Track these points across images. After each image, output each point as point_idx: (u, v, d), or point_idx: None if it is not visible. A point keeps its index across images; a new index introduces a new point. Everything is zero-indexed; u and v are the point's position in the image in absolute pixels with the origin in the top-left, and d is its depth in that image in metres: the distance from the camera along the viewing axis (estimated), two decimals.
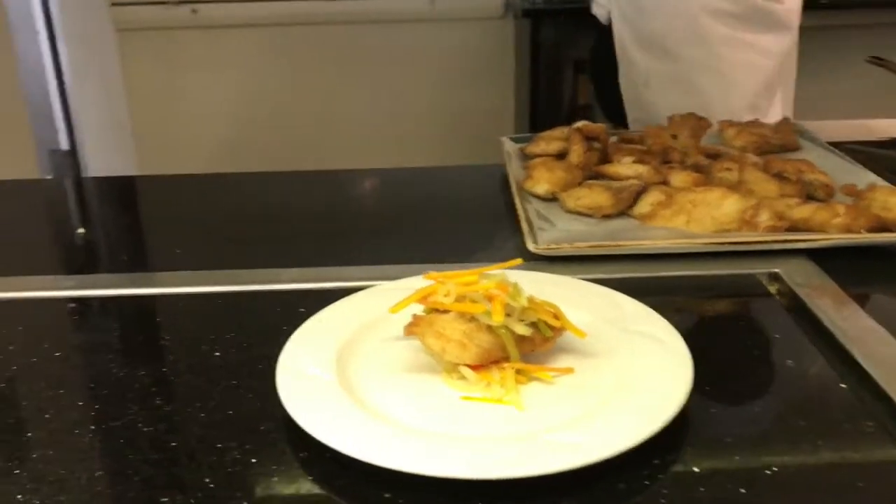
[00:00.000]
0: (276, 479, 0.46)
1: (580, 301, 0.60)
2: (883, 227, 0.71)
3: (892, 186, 0.75)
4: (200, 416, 0.51)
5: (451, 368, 0.52)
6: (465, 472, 0.43)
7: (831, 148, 0.93)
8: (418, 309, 0.55)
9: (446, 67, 2.82)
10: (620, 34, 1.28)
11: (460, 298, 0.53)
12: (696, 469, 0.46)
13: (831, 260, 0.70)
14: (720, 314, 0.67)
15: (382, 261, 0.73)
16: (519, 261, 0.58)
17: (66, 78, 2.04)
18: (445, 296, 0.53)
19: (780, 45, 1.18)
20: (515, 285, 0.53)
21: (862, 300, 0.65)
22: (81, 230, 0.87)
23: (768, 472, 0.45)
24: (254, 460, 0.47)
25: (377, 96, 2.74)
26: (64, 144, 1.94)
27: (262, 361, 0.56)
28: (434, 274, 0.55)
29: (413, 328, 0.52)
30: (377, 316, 0.58)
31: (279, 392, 0.50)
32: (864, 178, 0.82)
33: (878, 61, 1.17)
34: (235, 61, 2.62)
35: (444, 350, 0.51)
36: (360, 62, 2.74)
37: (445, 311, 0.53)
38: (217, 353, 0.59)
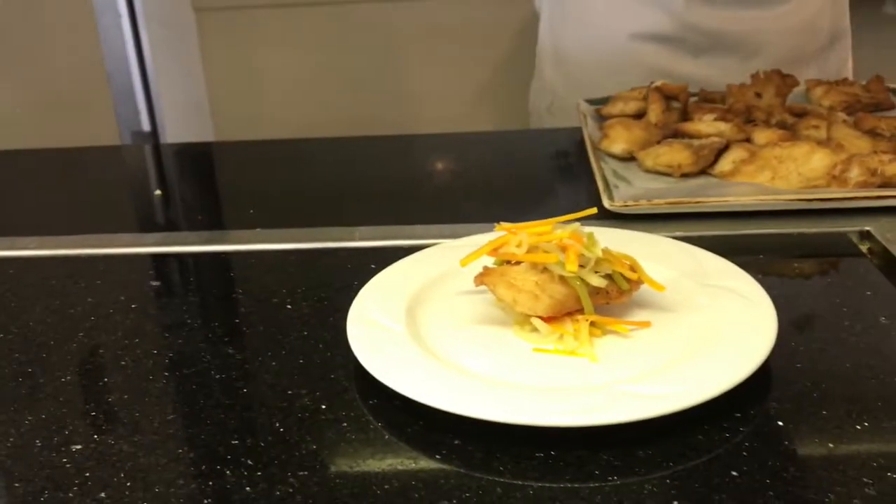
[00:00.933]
0: (345, 424, 0.45)
1: (658, 256, 0.57)
2: None
3: None
4: (272, 365, 0.51)
5: (523, 320, 0.51)
6: (536, 419, 0.42)
7: None
8: (490, 262, 0.54)
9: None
10: (543, 38, 1.23)
11: (532, 249, 0.51)
12: (780, 423, 0.43)
13: None
14: (808, 273, 0.63)
15: (455, 221, 0.72)
16: (594, 210, 0.56)
17: (147, 60, 2.10)
18: (517, 246, 0.52)
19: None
20: (590, 235, 0.51)
21: None
22: (158, 192, 0.89)
23: (858, 427, 0.43)
24: (323, 406, 0.47)
25: (447, 71, 2.71)
26: (146, 126, 1.99)
27: (334, 314, 0.56)
28: (506, 225, 0.54)
29: (484, 278, 0.51)
30: (448, 270, 0.58)
31: (349, 341, 0.50)
32: None
33: None
34: (310, 39, 2.64)
35: (516, 301, 0.50)
36: (431, 38, 2.72)
37: (517, 263, 0.52)
38: (289, 306, 0.59)
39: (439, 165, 0.95)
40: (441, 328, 0.52)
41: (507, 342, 0.51)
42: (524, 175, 0.87)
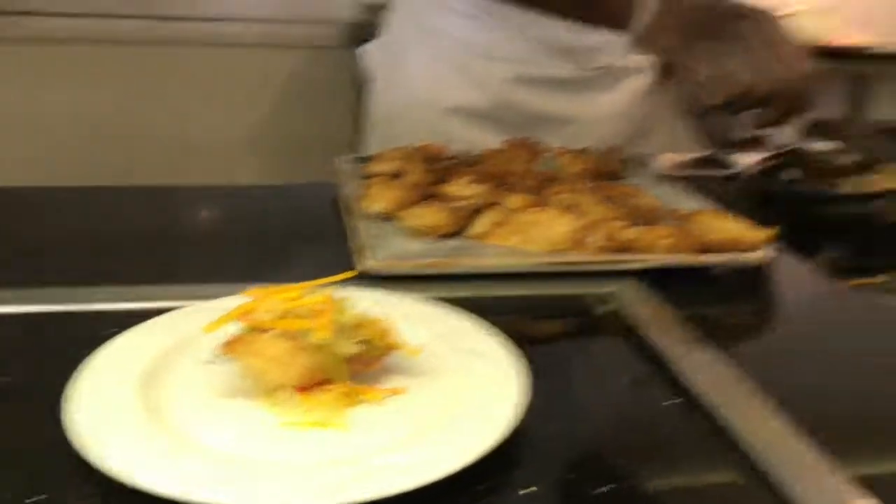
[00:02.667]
0: None
1: (414, 318, 0.57)
2: (706, 249, 0.73)
3: (715, 210, 0.78)
4: None
5: (273, 392, 0.48)
6: (285, 501, 0.39)
7: (659, 175, 0.96)
8: (238, 328, 0.51)
9: (284, 94, 2.77)
10: (371, 101, 1.25)
11: (283, 315, 0.49)
12: (529, 489, 0.44)
13: (659, 281, 0.71)
14: (553, 335, 0.66)
15: (205, 280, 0.68)
16: (348, 273, 0.54)
17: None
18: (267, 312, 0.49)
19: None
20: (344, 300, 0.50)
21: (688, 320, 0.66)
22: None
23: (604, 489, 0.44)
24: (44, 496, 0.41)
25: (211, 120, 2.64)
26: None
27: (60, 387, 0.50)
28: (256, 290, 0.51)
29: (229, 347, 0.48)
30: (191, 336, 0.53)
31: (72, 420, 0.44)
32: (686, 202, 0.85)
33: None
34: (61, 77, 2.46)
35: (264, 371, 0.47)
36: (193, 86, 2.64)
37: (267, 330, 0.49)
38: (7, 378, 0.52)
39: (195, 220, 0.90)
40: (182, 403, 0.48)
41: (253, 416, 0.47)
42: (282, 232, 0.84)
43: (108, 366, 0.50)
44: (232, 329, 0.50)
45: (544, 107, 1.15)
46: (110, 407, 0.45)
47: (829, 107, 3.12)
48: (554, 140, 1.12)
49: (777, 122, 0.83)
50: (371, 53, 1.29)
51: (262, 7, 2.68)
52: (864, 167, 1.07)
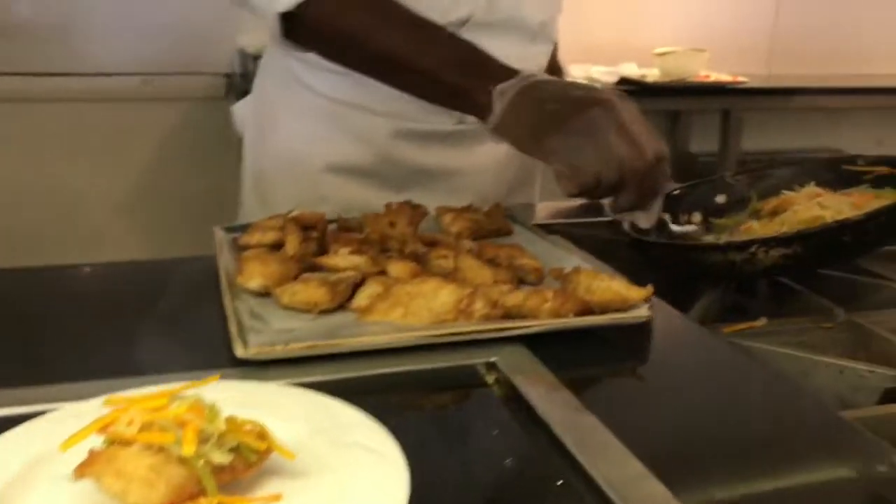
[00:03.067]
0: None
1: (292, 412, 0.55)
2: (588, 310, 0.73)
3: (594, 270, 0.79)
4: None
5: None
6: None
7: (540, 232, 0.97)
8: (98, 440, 0.47)
9: (165, 148, 2.69)
10: (245, 161, 1.23)
11: (146, 427, 0.46)
12: None
13: (544, 345, 0.71)
14: (439, 410, 0.65)
15: (66, 376, 0.63)
16: (215, 378, 0.52)
17: None
18: (128, 425, 0.46)
19: None
20: (212, 407, 0.47)
21: (574, 385, 0.66)
22: None
23: None
24: None
25: (88, 179, 2.54)
26: None
27: None
28: (115, 398, 0.48)
29: (86, 468, 0.44)
30: (46, 452, 0.49)
31: None
32: (570, 260, 0.86)
33: None
34: None
35: (126, 491, 0.44)
36: (71, 141, 2.54)
37: (129, 444, 0.46)
38: None
39: (58, 305, 0.84)
40: None
41: None
42: (157, 315, 0.80)
43: None
44: (92, 442, 0.47)
45: (425, 160, 1.14)
46: None
47: (703, 141, 3.26)
48: (437, 193, 1.12)
49: (633, 206, 0.85)
50: (243, 110, 1.26)
51: (140, 60, 2.62)
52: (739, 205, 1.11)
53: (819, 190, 1.04)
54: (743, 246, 0.89)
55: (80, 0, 2.48)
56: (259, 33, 2.36)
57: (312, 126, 1.13)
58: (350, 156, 1.12)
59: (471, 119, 1.12)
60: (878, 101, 3.36)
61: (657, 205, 0.87)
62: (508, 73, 0.88)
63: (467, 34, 1.05)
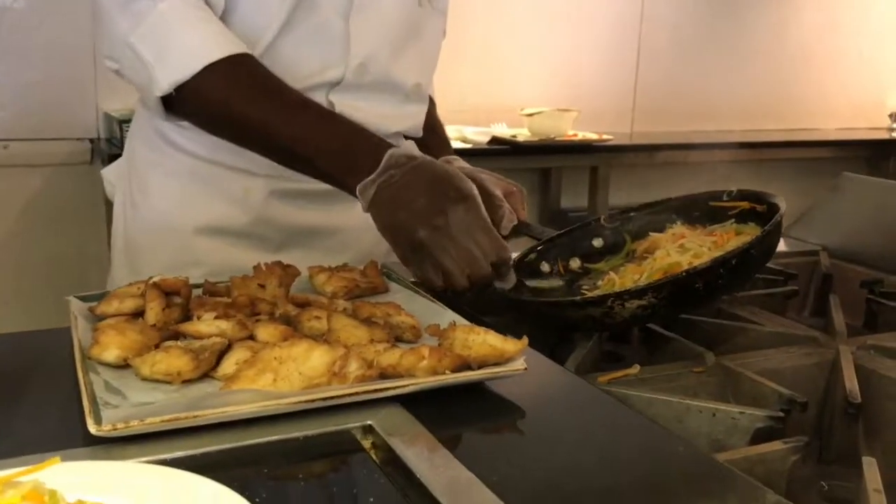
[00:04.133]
0: None
1: (148, 492, 0.50)
2: (465, 366, 0.72)
3: (470, 325, 0.78)
4: None
5: None
6: None
7: (417, 289, 0.95)
8: None
9: (31, 216, 2.56)
10: (115, 226, 1.19)
11: None
12: None
13: (423, 404, 0.69)
14: (314, 480, 0.61)
15: None
16: (56, 460, 0.47)
17: None
18: None
19: None
20: (53, 493, 0.43)
21: (453, 443, 0.64)
22: None
23: None
24: None
25: None
26: None
27: None
28: None
29: None
30: None
31: None
32: (446, 317, 0.85)
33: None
34: None
35: None
36: None
37: None
38: None
39: None
40: None
41: None
42: (7, 393, 0.73)
43: None
44: None
45: (303, 220, 1.12)
46: None
47: (573, 196, 3.37)
48: (315, 252, 1.10)
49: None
50: (112, 174, 1.21)
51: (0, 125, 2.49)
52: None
53: (684, 230, 1.06)
54: (599, 301, 0.90)
55: None
56: (124, 96, 2.30)
57: (183, 187, 1.10)
58: (223, 217, 1.09)
59: None
60: (734, 154, 3.58)
61: (510, 272, 0.96)
62: (377, 155, 0.90)
63: (340, 94, 1.05)
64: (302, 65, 1.03)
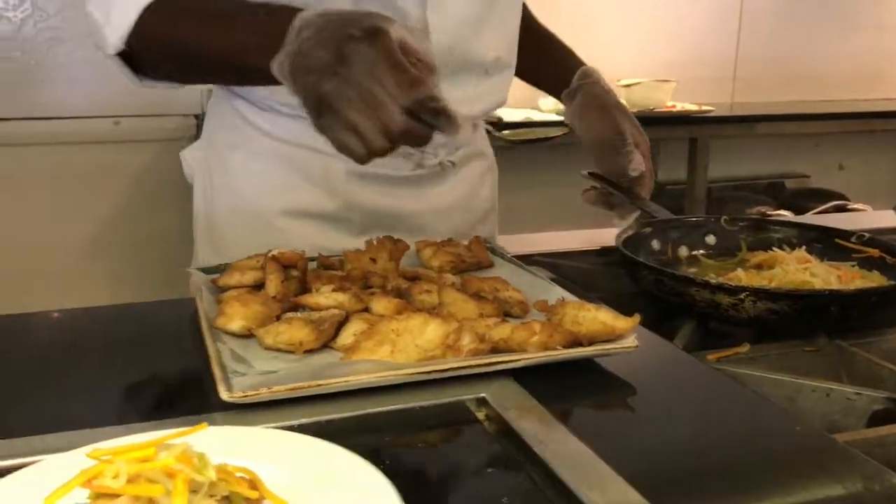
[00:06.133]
0: None
1: (283, 457, 0.53)
2: (575, 342, 0.73)
3: (580, 301, 0.78)
4: None
5: None
6: None
7: (521, 264, 0.96)
8: (84, 494, 0.45)
9: (135, 191, 2.66)
10: (196, 208, 1.17)
11: (134, 479, 0.44)
12: None
13: (532, 378, 0.70)
14: (429, 450, 0.63)
15: (46, 427, 0.61)
16: (203, 426, 0.50)
17: None
18: (114, 477, 0.44)
19: None
20: (202, 456, 0.46)
21: (564, 417, 0.65)
22: None
23: None
24: None
25: (57, 222, 2.51)
26: None
27: None
28: (100, 450, 0.46)
29: None
30: None
31: None
32: (554, 292, 0.85)
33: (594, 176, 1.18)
34: None
35: None
36: (41, 184, 2.51)
37: (115, 497, 0.44)
38: None
39: (31, 352, 0.82)
40: None
41: None
42: (138, 361, 0.78)
43: None
44: (77, 496, 0.45)
45: (384, 203, 1.10)
46: None
47: (671, 169, 3.30)
48: (398, 235, 1.09)
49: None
50: (191, 156, 1.19)
51: (111, 102, 2.59)
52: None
53: (808, 256, 1.06)
54: (733, 291, 0.90)
55: (48, 44, 2.46)
56: None
57: (266, 170, 1.09)
58: (306, 200, 1.07)
59: (429, 163, 1.10)
60: (840, 126, 3.44)
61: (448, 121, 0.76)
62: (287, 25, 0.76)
63: None
64: None
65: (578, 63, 1.24)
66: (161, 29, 0.91)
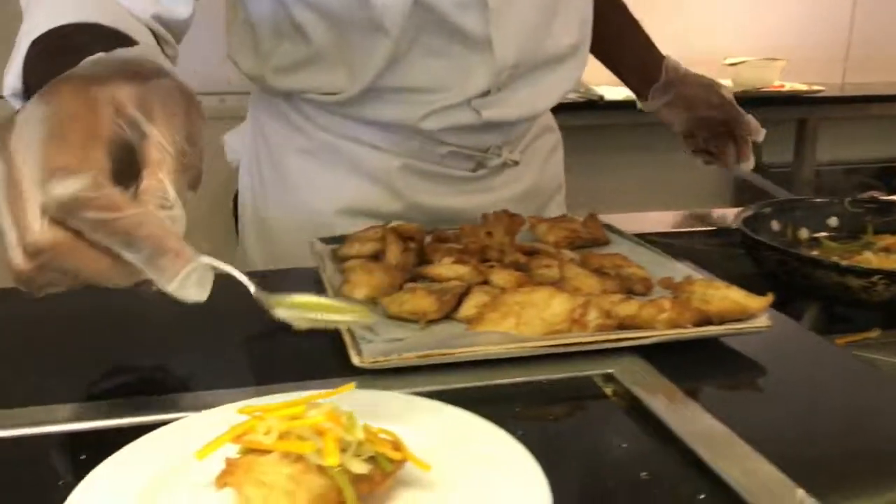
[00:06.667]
0: None
1: (417, 421, 0.53)
2: (705, 320, 0.71)
3: (708, 278, 0.76)
4: None
5: None
6: None
7: (639, 240, 0.94)
8: (232, 450, 0.46)
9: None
10: (242, 201, 1.13)
11: (284, 435, 0.45)
12: None
13: (658, 356, 0.68)
14: (561, 423, 0.62)
15: (183, 388, 0.63)
16: (351, 386, 0.51)
17: None
18: (266, 433, 0.45)
19: None
20: (350, 415, 0.46)
21: (694, 396, 0.64)
22: None
23: None
24: None
25: None
26: None
27: None
28: (250, 407, 0.47)
29: (227, 477, 0.43)
30: (180, 462, 0.49)
31: None
32: (676, 269, 0.83)
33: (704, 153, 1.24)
34: None
35: (268, 501, 0.43)
36: None
37: (264, 452, 0.45)
38: None
39: (158, 319, 0.84)
40: None
41: None
42: (266, 324, 0.79)
43: (93, 500, 0.45)
44: (227, 451, 0.46)
45: (441, 203, 1.06)
46: None
47: (776, 152, 3.18)
48: None
49: None
50: (235, 141, 1.15)
51: (219, 79, 2.61)
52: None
53: None
54: (865, 274, 0.86)
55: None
56: None
57: (319, 165, 1.04)
58: (365, 199, 1.03)
59: (491, 164, 1.05)
60: None
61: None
62: None
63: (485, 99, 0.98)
64: (436, 79, 0.96)
65: (659, 55, 1.26)
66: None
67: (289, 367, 0.69)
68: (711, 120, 1.24)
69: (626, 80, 1.31)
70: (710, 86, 1.23)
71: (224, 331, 0.76)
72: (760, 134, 1.21)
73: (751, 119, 1.22)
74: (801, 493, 0.49)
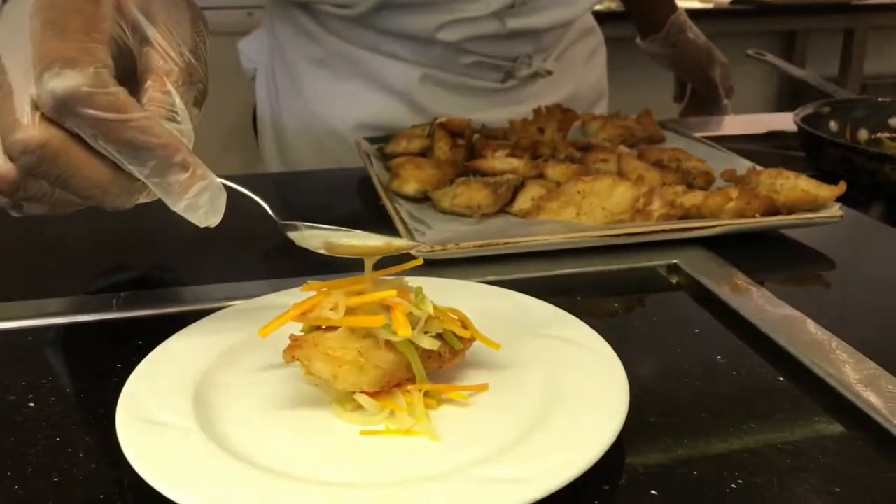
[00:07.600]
0: None
1: (481, 306, 0.51)
2: (774, 210, 0.68)
3: (777, 168, 0.72)
4: (14, 489, 0.38)
5: (345, 398, 0.43)
6: None
7: (697, 137, 0.90)
8: (295, 329, 0.45)
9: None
10: (261, 108, 1.08)
11: (351, 311, 0.43)
12: (653, 492, 0.38)
13: (722, 246, 0.65)
14: (628, 311, 0.60)
15: (236, 278, 0.62)
16: (419, 261, 0.48)
17: None
18: (332, 309, 0.43)
19: None
20: (419, 290, 0.44)
21: (763, 286, 0.61)
22: None
23: (735, 486, 0.39)
24: None
25: None
26: None
27: (95, 411, 0.44)
28: (314, 284, 0.45)
29: (295, 352, 0.42)
30: (240, 341, 0.48)
31: (121, 446, 0.38)
32: (738, 163, 0.80)
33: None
34: None
35: (336, 375, 0.41)
36: None
37: (330, 329, 0.43)
38: (31, 404, 0.46)
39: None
40: (243, 419, 0.42)
41: (328, 427, 0.42)
42: (313, 219, 0.78)
43: (155, 383, 0.44)
44: (290, 331, 0.44)
45: (469, 117, 0.95)
46: (168, 432, 0.39)
47: (821, 64, 3.07)
48: None
49: None
50: (251, 49, 1.10)
51: None
52: None
53: None
54: None
55: None
56: None
57: (336, 77, 0.99)
58: (384, 113, 0.97)
59: (521, 74, 0.99)
60: None
61: None
62: None
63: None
64: None
65: (672, 6, 1.23)
66: None
67: (336, 262, 0.67)
68: (698, 85, 1.29)
69: (630, 14, 1.27)
70: (709, 51, 1.25)
71: (268, 231, 0.75)
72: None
73: (727, 105, 1.29)
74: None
